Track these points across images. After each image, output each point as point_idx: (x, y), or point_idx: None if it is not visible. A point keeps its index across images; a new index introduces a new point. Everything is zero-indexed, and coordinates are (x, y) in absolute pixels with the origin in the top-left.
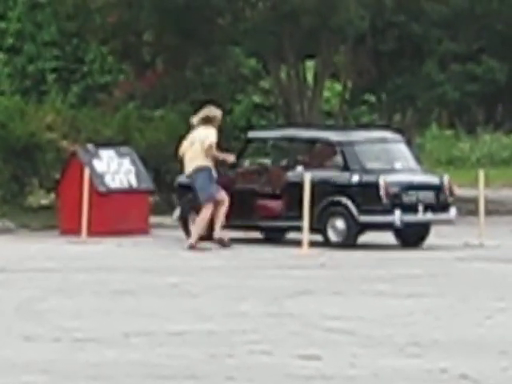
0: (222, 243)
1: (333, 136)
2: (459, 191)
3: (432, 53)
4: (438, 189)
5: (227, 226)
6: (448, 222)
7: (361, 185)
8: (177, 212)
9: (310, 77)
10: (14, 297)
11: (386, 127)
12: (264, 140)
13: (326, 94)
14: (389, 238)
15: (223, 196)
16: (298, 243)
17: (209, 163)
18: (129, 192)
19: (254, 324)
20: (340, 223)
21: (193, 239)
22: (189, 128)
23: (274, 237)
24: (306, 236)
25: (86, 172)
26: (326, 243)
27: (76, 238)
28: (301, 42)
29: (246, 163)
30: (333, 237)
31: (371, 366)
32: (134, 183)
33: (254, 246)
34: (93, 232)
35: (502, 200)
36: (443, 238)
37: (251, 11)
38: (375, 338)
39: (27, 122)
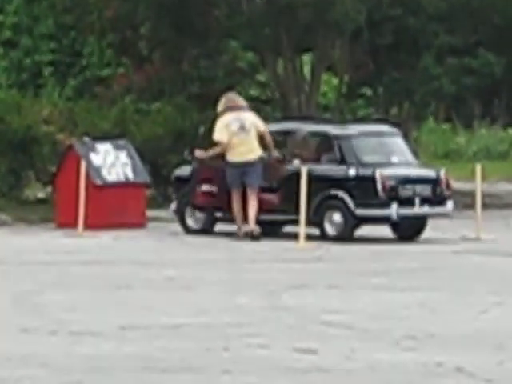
0: (252, 235)
1: (330, 129)
2: (456, 185)
3: (429, 46)
4: (434, 182)
5: (225, 219)
6: (445, 215)
7: (357, 178)
8: (173, 205)
9: (306, 70)
10: (11, 290)
11: (383, 121)
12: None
13: (323, 87)
14: (386, 231)
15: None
16: (295, 237)
17: None
18: (125, 185)
19: (250, 317)
20: (337, 217)
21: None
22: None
23: (271, 230)
24: (302, 229)
25: (83, 165)
26: (323, 237)
27: (72, 231)
28: (298, 35)
29: None
30: (330, 230)
31: (367, 359)
32: (131, 176)
33: (249, 240)
34: (89, 225)
35: (498, 194)
36: (440, 232)
37: (248, 4)
38: (371, 331)
39: (24, 115)
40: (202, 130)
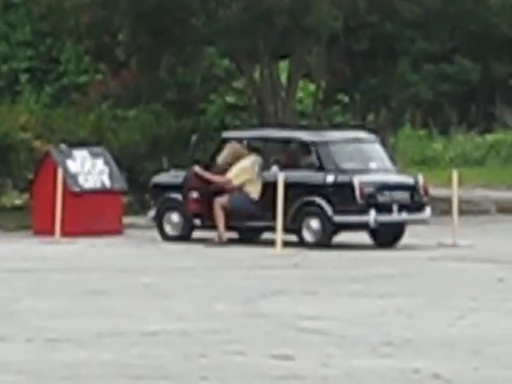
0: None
1: (307, 136)
2: (433, 191)
3: (405, 53)
4: (412, 189)
5: (202, 226)
6: (423, 221)
7: (335, 185)
8: (152, 212)
9: (283, 77)
10: None
11: (361, 127)
12: (239, 140)
13: (300, 94)
14: (364, 237)
15: None
16: (272, 243)
17: None
18: (102, 192)
19: (227, 324)
20: (315, 223)
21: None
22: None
23: (249, 237)
24: (279, 236)
25: (60, 172)
26: (301, 243)
27: (49, 238)
28: (274, 42)
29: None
30: (308, 237)
31: (344, 365)
32: (108, 183)
33: (228, 246)
34: (66, 232)
35: (475, 200)
36: (417, 238)
37: (224, 11)
38: (348, 337)
39: (0, 122)
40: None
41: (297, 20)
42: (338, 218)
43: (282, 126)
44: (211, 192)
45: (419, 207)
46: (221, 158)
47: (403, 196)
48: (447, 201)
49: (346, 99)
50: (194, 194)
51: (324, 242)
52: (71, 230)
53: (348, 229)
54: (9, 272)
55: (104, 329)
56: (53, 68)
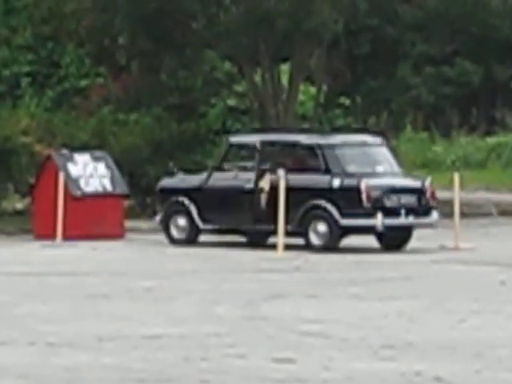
0: None
1: (314, 139)
2: None
3: (406, 56)
4: (419, 192)
5: (212, 230)
6: (430, 225)
7: (342, 188)
8: (159, 216)
9: (284, 80)
10: None
11: (366, 130)
12: (246, 144)
13: (301, 97)
14: (372, 241)
15: None
16: (273, 247)
17: None
18: (104, 196)
19: (228, 327)
20: (322, 227)
21: None
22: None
23: (257, 241)
24: (281, 239)
25: (61, 176)
26: (308, 247)
27: (51, 242)
28: (275, 45)
29: (228, 167)
30: (315, 240)
31: (345, 369)
32: (109, 187)
33: (230, 250)
34: (68, 236)
35: (476, 202)
36: (419, 241)
37: (225, 15)
38: (350, 340)
39: (2, 126)
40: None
41: (298, 23)
42: (345, 222)
43: (288, 129)
44: None
45: (426, 211)
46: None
47: (410, 199)
48: (449, 203)
49: (347, 102)
50: None
51: (331, 246)
52: (72, 234)
53: (355, 232)
54: (10, 276)
55: (105, 332)
56: (54, 72)
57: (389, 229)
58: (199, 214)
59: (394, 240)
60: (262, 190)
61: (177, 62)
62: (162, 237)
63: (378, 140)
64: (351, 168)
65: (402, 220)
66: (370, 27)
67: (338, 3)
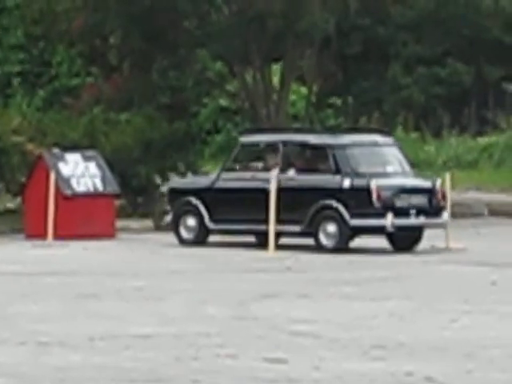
0: None
1: (324, 139)
2: None
3: (397, 56)
4: (430, 192)
5: (217, 230)
6: (441, 225)
7: (352, 189)
8: (169, 216)
9: (276, 80)
10: None
11: (377, 130)
12: (257, 144)
13: (292, 97)
14: (382, 242)
15: None
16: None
17: None
18: (95, 195)
19: (219, 327)
20: (332, 227)
21: None
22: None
23: (265, 241)
24: (272, 239)
25: (52, 176)
26: (319, 248)
27: (42, 241)
28: (267, 45)
29: (238, 167)
30: (325, 241)
31: (336, 369)
32: (100, 187)
33: (221, 250)
34: (59, 235)
35: (467, 203)
36: None
37: (217, 15)
38: (340, 340)
39: None
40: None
41: (289, 23)
42: (355, 222)
43: (299, 129)
44: None
45: (437, 211)
46: None
47: (421, 200)
48: None
49: (338, 102)
50: None
51: (341, 247)
52: (63, 234)
53: (365, 233)
54: (1, 275)
55: (96, 332)
56: (45, 71)
57: (399, 229)
58: (209, 214)
59: (404, 241)
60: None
61: (168, 62)
62: (154, 236)
63: (388, 140)
64: (362, 168)
65: (412, 220)
66: (361, 27)
67: (329, 3)
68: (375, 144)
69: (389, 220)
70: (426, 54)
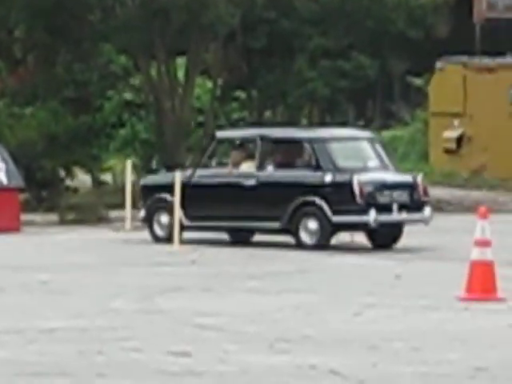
0: None
1: (304, 134)
2: None
3: (302, 49)
4: (411, 188)
5: (192, 227)
6: (423, 221)
7: (334, 184)
8: (142, 213)
9: (180, 74)
10: None
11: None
12: (232, 140)
13: (197, 90)
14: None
15: None
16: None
17: None
18: None
19: (124, 321)
20: (313, 224)
21: None
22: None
23: (240, 238)
24: (176, 233)
25: None
26: (299, 245)
27: None
28: (171, 38)
29: (214, 164)
30: (306, 238)
31: (241, 362)
32: (5, 181)
33: (126, 244)
34: None
35: None
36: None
37: (121, 8)
38: (245, 334)
39: None
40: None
41: (194, 17)
42: (337, 219)
43: (276, 124)
44: None
45: (419, 207)
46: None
47: (402, 195)
48: None
49: (243, 96)
50: None
51: (323, 243)
52: None
53: (347, 229)
54: None
55: (0, 326)
56: None
57: (381, 226)
58: (184, 211)
59: (384, 238)
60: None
61: (73, 56)
62: (59, 230)
63: (368, 134)
64: (343, 163)
65: (394, 216)
66: (266, 21)
67: None
68: (355, 138)
69: (372, 216)
70: (330, 47)
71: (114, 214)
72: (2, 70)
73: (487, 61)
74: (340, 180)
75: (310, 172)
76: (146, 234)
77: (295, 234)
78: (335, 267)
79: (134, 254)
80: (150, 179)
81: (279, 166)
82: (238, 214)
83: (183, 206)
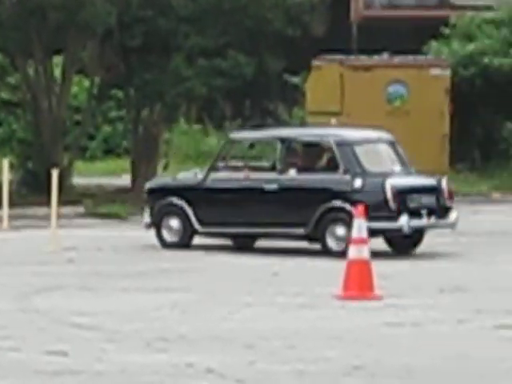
0: None
1: (329, 137)
2: None
3: (179, 48)
4: (436, 192)
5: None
6: (450, 226)
7: (365, 189)
8: (147, 218)
9: (57, 72)
10: None
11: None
12: (248, 141)
13: (74, 89)
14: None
15: None
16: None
17: None
18: None
19: (1, 320)
20: (341, 230)
21: None
22: None
23: (244, 244)
24: (53, 232)
25: None
26: (326, 252)
27: None
28: (48, 37)
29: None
30: (333, 246)
31: (119, 361)
32: None
33: (4, 243)
34: None
35: None
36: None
37: None
38: (123, 333)
39: None
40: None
41: (70, 15)
42: (370, 225)
43: (296, 125)
44: None
45: (445, 211)
46: None
47: (430, 200)
48: None
49: (120, 94)
50: None
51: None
52: None
53: (380, 235)
54: None
55: None
56: None
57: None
58: (196, 215)
59: (405, 243)
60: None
61: None
62: None
63: (389, 136)
64: (372, 167)
65: (424, 221)
66: (142, 19)
67: None
68: (380, 141)
69: (405, 222)
70: (207, 45)
71: None
72: None
73: (364, 59)
74: (371, 185)
75: (337, 176)
76: (24, 233)
77: (322, 241)
78: (212, 265)
79: (12, 253)
80: (156, 183)
81: (302, 169)
82: (257, 221)
83: (194, 210)
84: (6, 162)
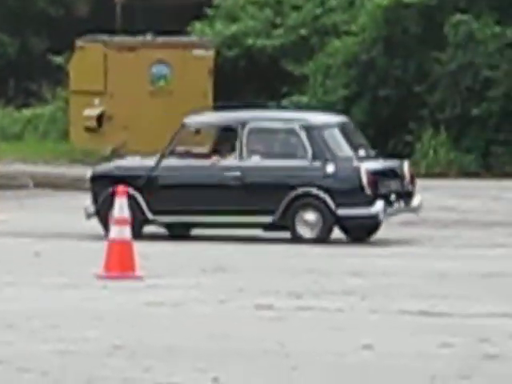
0: None
1: (294, 121)
2: None
3: None
4: (401, 176)
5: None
6: (413, 210)
7: (337, 174)
8: (91, 207)
9: None
10: None
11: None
12: (203, 126)
13: None
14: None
15: None
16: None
17: None
18: None
19: None
20: (312, 216)
21: None
22: None
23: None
24: None
25: None
26: (295, 240)
27: None
28: None
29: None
30: (304, 232)
31: None
32: None
33: None
34: None
35: (12, 174)
36: None
37: None
38: None
39: None
40: None
41: None
42: (342, 212)
43: (255, 107)
44: None
45: (409, 195)
46: None
47: (397, 184)
48: None
49: None
50: None
51: (324, 237)
52: None
53: (352, 222)
54: None
55: None
56: None
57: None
58: (148, 204)
59: (360, 230)
60: None
61: None
62: None
63: (349, 120)
64: (340, 152)
65: (396, 207)
66: None
67: None
68: (341, 124)
69: (381, 208)
70: None
71: None
72: None
73: (128, 39)
74: (344, 169)
75: (305, 162)
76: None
77: (292, 229)
78: None
79: None
80: (103, 168)
81: (265, 155)
82: (219, 208)
83: (146, 199)
84: None
